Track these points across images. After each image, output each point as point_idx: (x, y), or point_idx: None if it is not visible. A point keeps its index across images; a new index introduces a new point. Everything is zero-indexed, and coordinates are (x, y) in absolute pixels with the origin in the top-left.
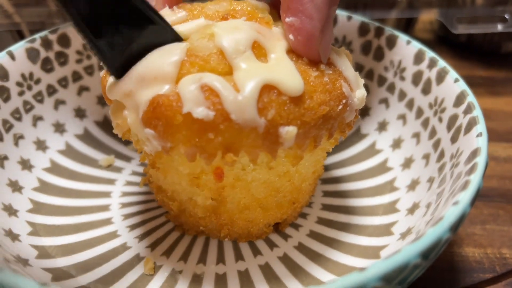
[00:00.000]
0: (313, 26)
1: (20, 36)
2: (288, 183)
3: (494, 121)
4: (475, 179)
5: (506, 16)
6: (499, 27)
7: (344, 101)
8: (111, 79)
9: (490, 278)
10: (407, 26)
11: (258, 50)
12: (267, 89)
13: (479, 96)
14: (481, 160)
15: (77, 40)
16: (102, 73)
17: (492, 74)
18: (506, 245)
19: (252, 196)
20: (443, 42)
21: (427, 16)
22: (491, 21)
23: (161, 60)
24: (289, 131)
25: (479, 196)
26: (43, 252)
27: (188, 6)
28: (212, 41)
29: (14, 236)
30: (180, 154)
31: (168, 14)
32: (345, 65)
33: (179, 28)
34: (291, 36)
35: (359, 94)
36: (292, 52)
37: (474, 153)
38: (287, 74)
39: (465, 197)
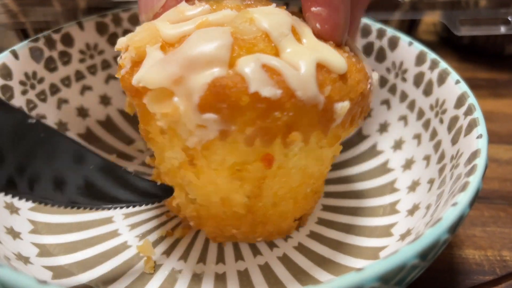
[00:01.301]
0: (340, 17)
1: (25, 35)
2: (318, 169)
3: (496, 123)
4: (475, 180)
5: (509, 18)
6: (502, 29)
7: (370, 80)
8: (143, 69)
9: (490, 281)
10: (410, 28)
11: (295, 34)
12: (319, 67)
13: (482, 98)
14: (480, 161)
15: (80, 39)
16: (123, 71)
17: (495, 76)
18: (507, 248)
19: (289, 186)
20: (446, 44)
21: (430, 18)
22: (494, 23)
23: (211, 44)
24: (343, 107)
25: (480, 198)
26: (44, 250)
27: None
28: (253, 25)
29: (15, 234)
30: (232, 141)
31: (190, 9)
32: (357, 49)
33: (209, 17)
34: (317, 25)
35: (375, 76)
36: (318, 36)
37: (474, 155)
38: (332, 54)
39: (464, 198)
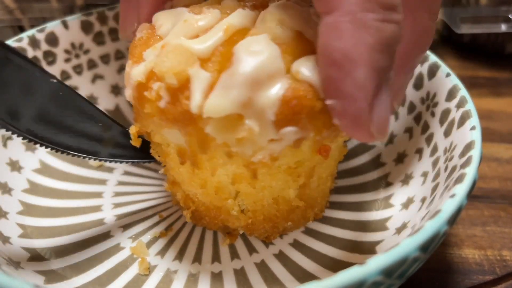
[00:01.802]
0: (357, 108)
1: (22, 32)
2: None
3: (496, 122)
4: (471, 171)
5: (510, 16)
6: (503, 27)
7: None
8: (196, 97)
9: (490, 280)
10: None
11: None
12: None
13: (482, 97)
14: (475, 153)
15: (65, 39)
16: (164, 103)
17: (496, 74)
18: (507, 247)
19: (330, 167)
20: (446, 42)
21: None
22: (495, 21)
23: (263, 56)
24: None
25: (480, 197)
26: (35, 254)
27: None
28: (284, 26)
29: (4, 239)
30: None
31: (200, 18)
32: None
33: (231, 22)
34: (336, 120)
35: None
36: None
37: (468, 146)
38: None
39: (461, 189)
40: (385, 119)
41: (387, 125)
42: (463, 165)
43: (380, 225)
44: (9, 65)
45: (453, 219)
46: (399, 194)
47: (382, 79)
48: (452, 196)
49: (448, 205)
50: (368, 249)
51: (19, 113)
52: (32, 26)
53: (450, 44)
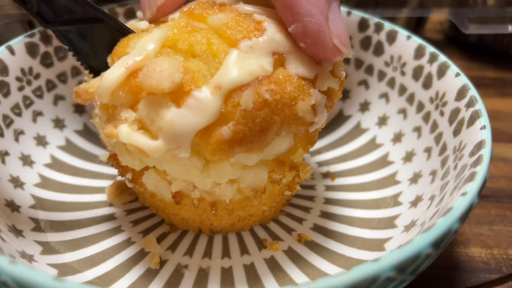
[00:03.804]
0: (316, 22)
1: (31, 27)
2: None
3: (503, 122)
4: (482, 170)
5: None
6: (510, 28)
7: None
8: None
9: (497, 279)
10: (417, 26)
11: None
12: None
13: (488, 97)
14: (486, 152)
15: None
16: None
17: (502, 75)
18: None
19: None
20: (453, 42)
21: (437, 16)
22: (502, 22)
23: None
24: None
25: (487, 197)
26: (48, 248)
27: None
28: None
29: (17, 232)
30: None
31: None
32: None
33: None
34: (301, 44)
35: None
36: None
37: (479, 146)
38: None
39: (473, 187)
40: (343, 29)
41: (347, 36)
42: (474, 164)
43: (388, 223)
44: None
45: (465, 217)
46: (407, 192)
47: None
48: (464, 194)
49: (459, 203)
50: (377, 246)
51: None
52: None
53: (456, 44)
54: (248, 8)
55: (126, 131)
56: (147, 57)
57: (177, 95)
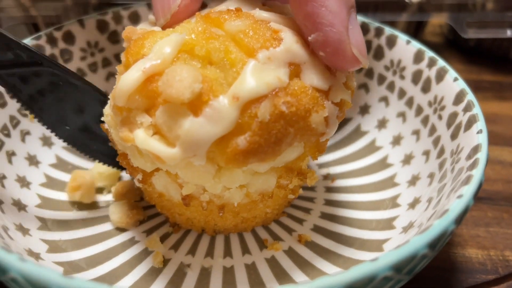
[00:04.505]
0: (337, 31)
1: (36, 29)
2: None
3: (500, 125)
4: (477, 173)
5: None
6: (509, 33)
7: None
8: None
9: (493, 280)
10: (417, 29)
11: None
12: None
13: (487, 101)
14: (482, 156)
15: (81, 37)
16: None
17: (500, 79)
18: (509, 248)
19: None
20: (452, 46)
21: (437, 20)
22: (501, 26)
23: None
24: None
25: (484, 199)
26: (54, 246)
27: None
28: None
29: (24, 231)
30: None
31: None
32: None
33: None
34: (321, 53)
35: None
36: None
37: (475, 149)
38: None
39: (468, 190)
40: (361, 40)
41: (365, 46)
42: (470, 167)
43: (387, 224)
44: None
45: (460, 219)
46: (406, 194)
47: (349, 5)
48: (460, 196)
49: (455, 205)
50: (376, 247)
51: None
52: (46, 24)
53: (455, 48)
54: (265, 14)
55: (143, 137)
56: (164, 62)
57: (195, 104)
